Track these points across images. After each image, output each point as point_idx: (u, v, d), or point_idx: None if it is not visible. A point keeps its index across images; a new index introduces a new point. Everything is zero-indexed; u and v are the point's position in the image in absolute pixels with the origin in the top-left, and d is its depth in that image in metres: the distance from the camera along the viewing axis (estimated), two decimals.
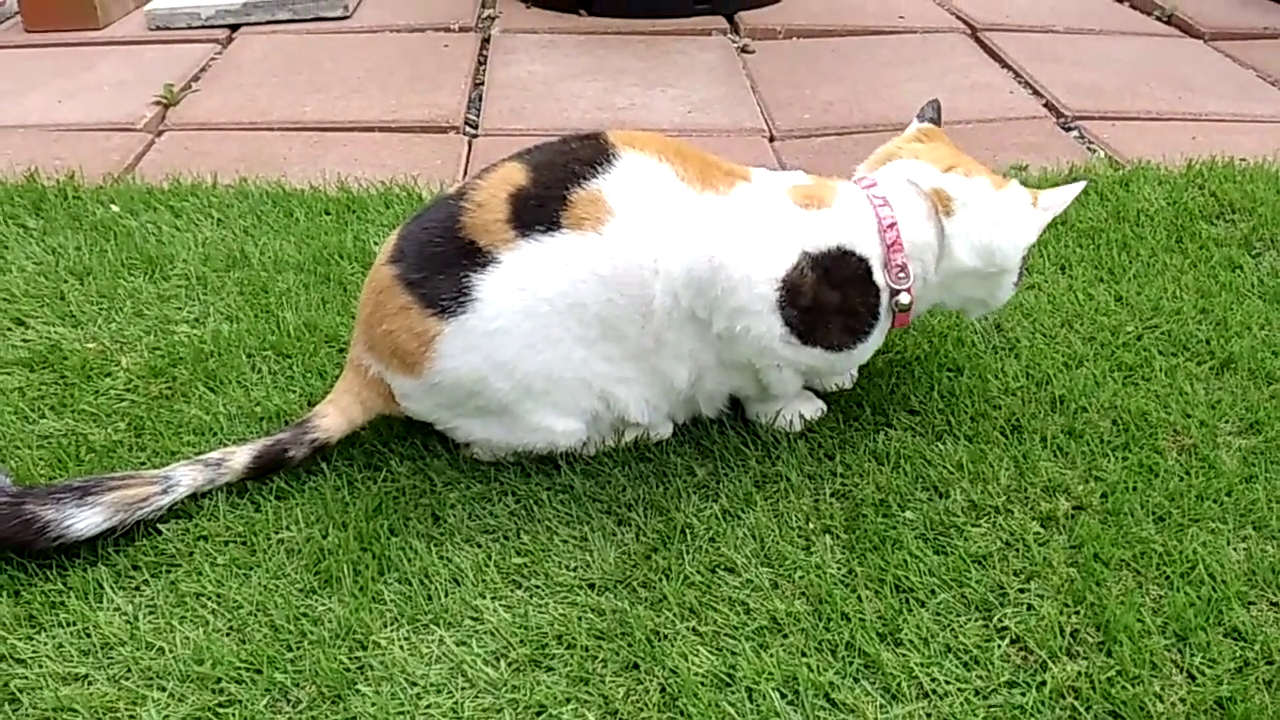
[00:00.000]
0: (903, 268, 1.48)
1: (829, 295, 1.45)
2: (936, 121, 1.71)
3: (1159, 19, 3.66)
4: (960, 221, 1.52)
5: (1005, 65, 3.21)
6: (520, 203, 1.41)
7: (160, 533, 1.41)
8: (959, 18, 3.60)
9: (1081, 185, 1.63)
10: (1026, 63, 3.18)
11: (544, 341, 1.41)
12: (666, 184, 1.44)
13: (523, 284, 1.39)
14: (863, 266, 1.46)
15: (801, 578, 1.36)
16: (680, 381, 1.50)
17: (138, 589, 1.34)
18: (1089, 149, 2.64)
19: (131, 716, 1.19)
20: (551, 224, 1.40)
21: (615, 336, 1.43)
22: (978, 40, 3.42)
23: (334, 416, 1.51)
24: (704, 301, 1.41)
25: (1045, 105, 2.93)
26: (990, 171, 1.60)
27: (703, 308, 1.42)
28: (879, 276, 1.48)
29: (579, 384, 1.45)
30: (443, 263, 1.41)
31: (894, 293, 1.49)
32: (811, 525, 1.45)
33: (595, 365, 1.44)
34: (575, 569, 1.38)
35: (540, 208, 1.40)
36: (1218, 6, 3.68)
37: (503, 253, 1.40)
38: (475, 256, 1.40)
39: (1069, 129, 2.78)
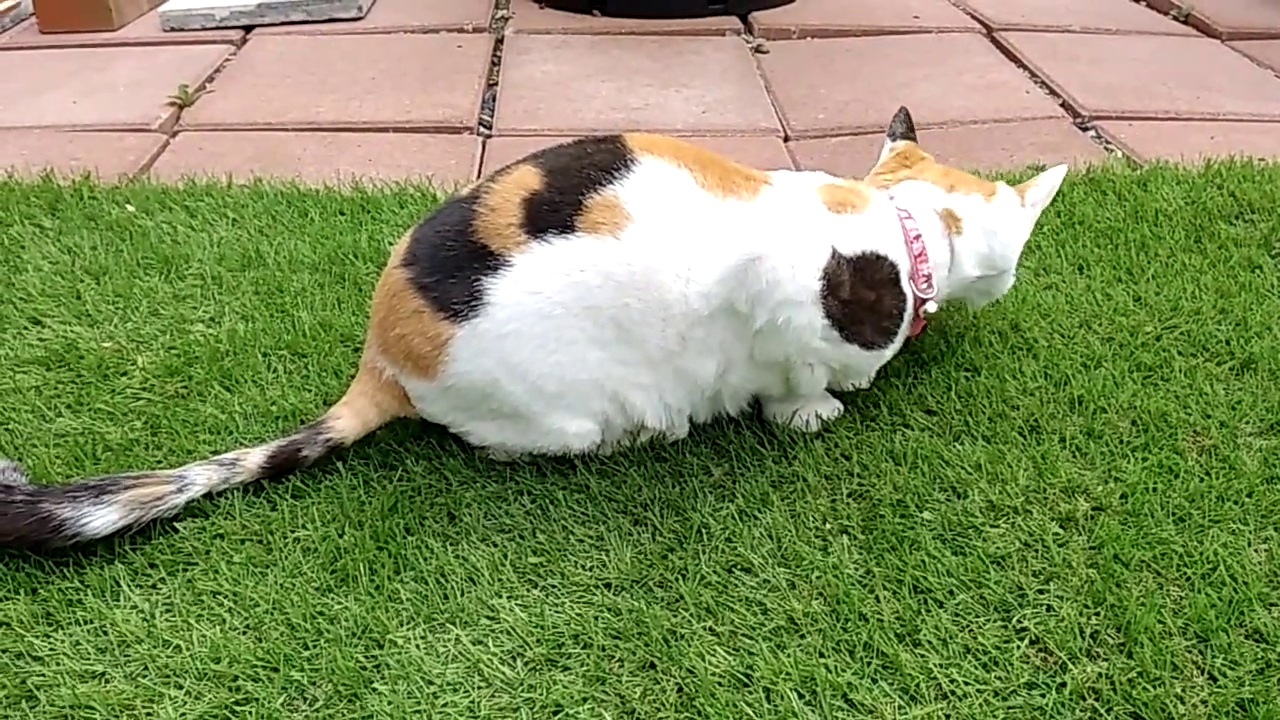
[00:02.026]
0: (928, 278, 1.56)
1: (865, 293, 1.48)
2: (910, 132, 1.81)
3: (1176, 18, 3.64)
4: (966, 239, 1.62)
5: (1021, 65, 3.19)
6: (534, 207, 1.40)
7: (177, 531, 1.41)
8: (974, 17, 3.58)
9: (1063, 169, 1.75)
10: (1043, 62, 3.17)
11: (557, 342, 1.40)
12: (686, 190, 1.44)
13: (536, 287, 1.38)
14: (894, 271, 1.51)
15: (819, 578, 1.36)
16: (707, 377, 1.49)
17: (154, 587, 1.35)
18: (1106, 148, 2.62)
19: (149, 714, 1.19)
20: (566, 228, 1.39)
21: (631, 340, 1.42)
22: (993, 40, 3.40)
23: (348, 418, 1.51)
24: (746, 295, 1.41)
25: (1062, 105, 2.91)
26: (977, 181, 1.71)
27: (744, 301, 1.41)
28: (905, 284, 1.53)
29: (592, 385, 1.44)
30: (455, 266, 1.41)
31: (920, 301, 1.56)
32: (828, 525, 1.44)
33: (609, 368, 1.44)
34: (591, 568, 1.38)
35: (554, 212, 1.40)
36: (1235, 6, 3.65)
37: (515, 256, 1.39)
38: (487, 260, 1.40)
39: (1086, 129, 2.77)
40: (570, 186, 1.41)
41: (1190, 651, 1.26)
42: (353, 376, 1.59)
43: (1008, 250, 1.67)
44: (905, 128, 1.82)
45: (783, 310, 1.42)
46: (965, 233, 1.62)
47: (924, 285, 1.56)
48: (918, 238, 1.55)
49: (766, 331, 1.44)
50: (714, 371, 1.49)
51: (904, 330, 1.57)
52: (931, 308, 1.58)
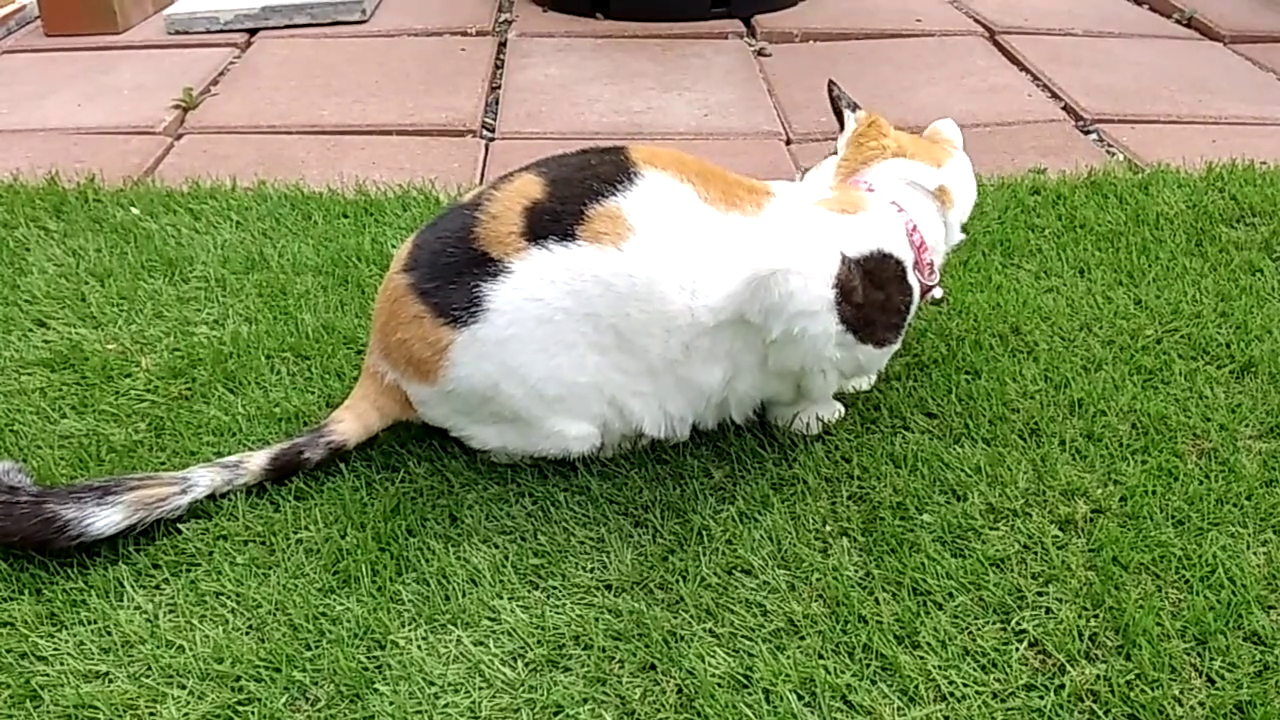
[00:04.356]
0: (932, 265, 1.57)
1: (875, 294, 1.48)
2: (855, 105, 1.74)
3: (1179, 22, 3.64)
4: (955, 209, 1.66)
5: (1024, 68, 3.20)
6: (535, 215, 1.41)
7: (180, 532, 1.42)
8: (977, 21, 3.59)
9: (949, 120, 1.80)
10: (1045, 66, 3.17)
11: (557, 345, 1.41)
12: (689, 204, 1.44)
13: (536, 294, 1.39)
14: (900, 267, 1.51)
15: (818, 580, 1.36)
16: (713, 384, 1.49)
17: (158, 588, 1.35)
18: (1108, 152, 2.63)
19: (152, 714, 1.19)
20: (567, 236, 1.40)
21: (632, 349, 1.43)
22: (995, 43, 3.41)
23: (350, 422, 1.52)
24: (759, 308, 1.41)
25: (1064, 108, 2.92)
26: (938, 147, 1.72)
27: (757, 314, 1.41)
28: (911, 277, 1.53)
29: (591, 389, 1.45)
30: (455, 272, 1.42)
31: (926, 289, 1.57)
32: (829, 528, 1.45)
33: (608, 374, 1.45)
34: (592, 570, 1.38)
35: (556, 221, 1.41)
36: (1238, 9, 3.66)
37: (515, 263, 1.40)
38: (488, 266, 1.40)
39: (1088, 132, 2.77)
40: (572, 196, 1.42)
41: (1188, 654, 1.27)
42: (355, 379, 1.60)
43: (969, 206, 1.71)
44: (845, 95, 1.74)
45: (798, 321, 1.42)
46: (955, 204, 1.64)
47: (929, 274, 1.57)
48: (915, 228, 1.55)
49: (782, 342, 1.44)
50: (720, 379, 1.49)
51: (909, 321, 1.57)
52: (938, 293, 1.60)
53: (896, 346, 1.58)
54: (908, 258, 1.52)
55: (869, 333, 1.49)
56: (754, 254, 1.42)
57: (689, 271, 1.41)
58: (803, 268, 1.41)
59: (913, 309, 1.55)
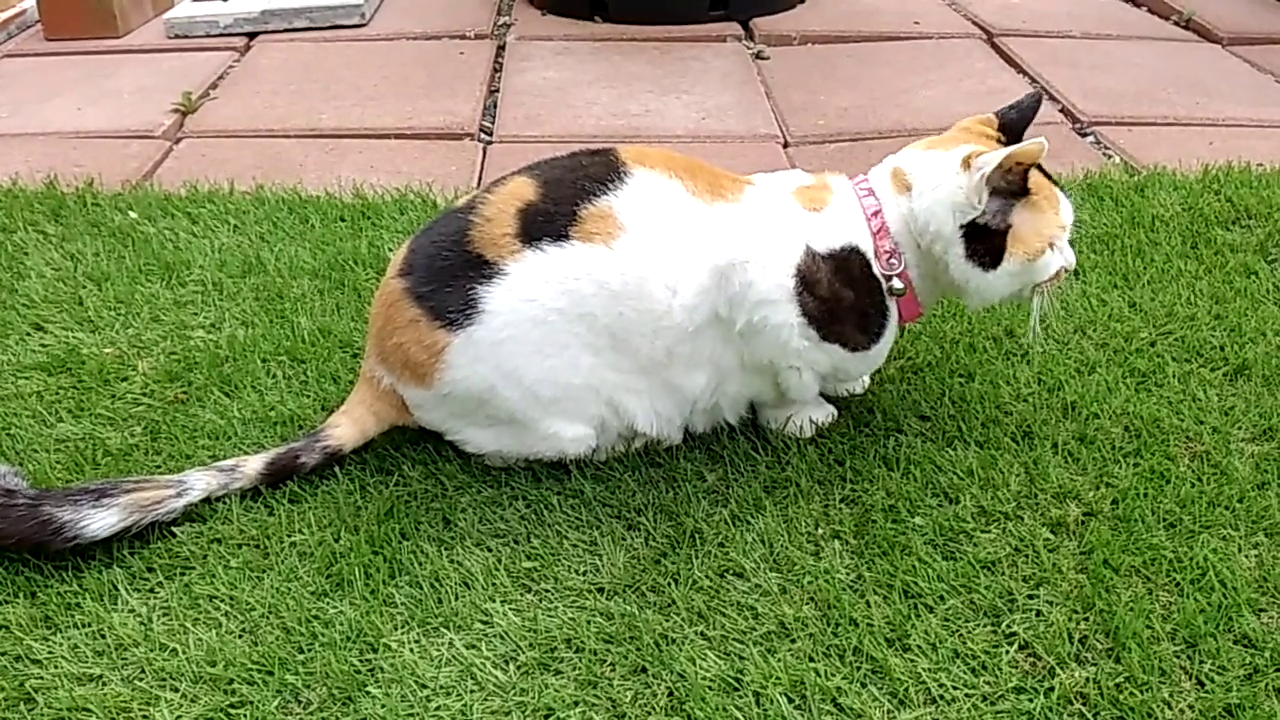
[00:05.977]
0: (891, 253, 1.48)
1: (843, 291, 1.46)
2: (1012, 111, 1.63)
3: (1177, 24, 3.64)
4: (914, 198, 1.48)
5: (1021, 71, 3.20)
6: (529, 217, 1.42)
7: (175, 535, 1.42)
8: (975, 23, 3.59)
9: (1016, 147, 1.45)
10: (1043, 68, 3.17)
11: (552, 347, 1.42)
12: (677, 200, 1.45)
13: (530, 295, 1.40)
14: (866, 264, 1.47)
15: (810, 583, 1.37)
16: (695, 390, 1.50)
17: (152, 591, 1.36)
18: (1105, 154, 2.63)
19: (145, 717, 1.20)
20: (560, 237, 1.41)
21: (625, 349, 1.44)
22: (994, 46, 3.41)
23: (347, 427, 1.52)
24: (724, 300, 1.42)
25: (1061, 110, 2.92)
26: (974, 146, 1.50)
27: (724, 304, 1.43)
28: (878, 271, 1.48)
29: (587, 390, 1.46)
30: (451, 275, 1.42)
31: (886, 279, 1.48)
32: (821, 531, 1.45)
33: (603, 373, 1.45)
34: (584, 573, 1.39)
35: (549, 222, 1.42)
36: (1236, 11, 3.66)
37: (510, 265, 1.41)
38: (483, 269, 1.41)
39: (1085, 134, 2.77)
40: (565, 197, 1.43)
41: (1178, 657, 1.27)
42: (351, 382, 1.60)
43: (931, 211, 1.45)
44: (1016, 109, 1.65)
45: (759, 310, 1.43)
46: (912, 190, 1.47)
47: (887, 261, 1.48)
48: (876, 214, 1.48)
49: (747, 333, 1.45)
50: (703, 385, 1.50)
51: (890, 329, 1.52)
52: (897, 285, 1.48)
53: (873, 354, 1.53)
54: (869, 248, 1.47)
55: (834, 330, 1.47)
56: (717, 246, 1.43)
57: (673, 270, 1.42)
58: (761, 257, 1.42)
59: (890, 314, 1.50)
